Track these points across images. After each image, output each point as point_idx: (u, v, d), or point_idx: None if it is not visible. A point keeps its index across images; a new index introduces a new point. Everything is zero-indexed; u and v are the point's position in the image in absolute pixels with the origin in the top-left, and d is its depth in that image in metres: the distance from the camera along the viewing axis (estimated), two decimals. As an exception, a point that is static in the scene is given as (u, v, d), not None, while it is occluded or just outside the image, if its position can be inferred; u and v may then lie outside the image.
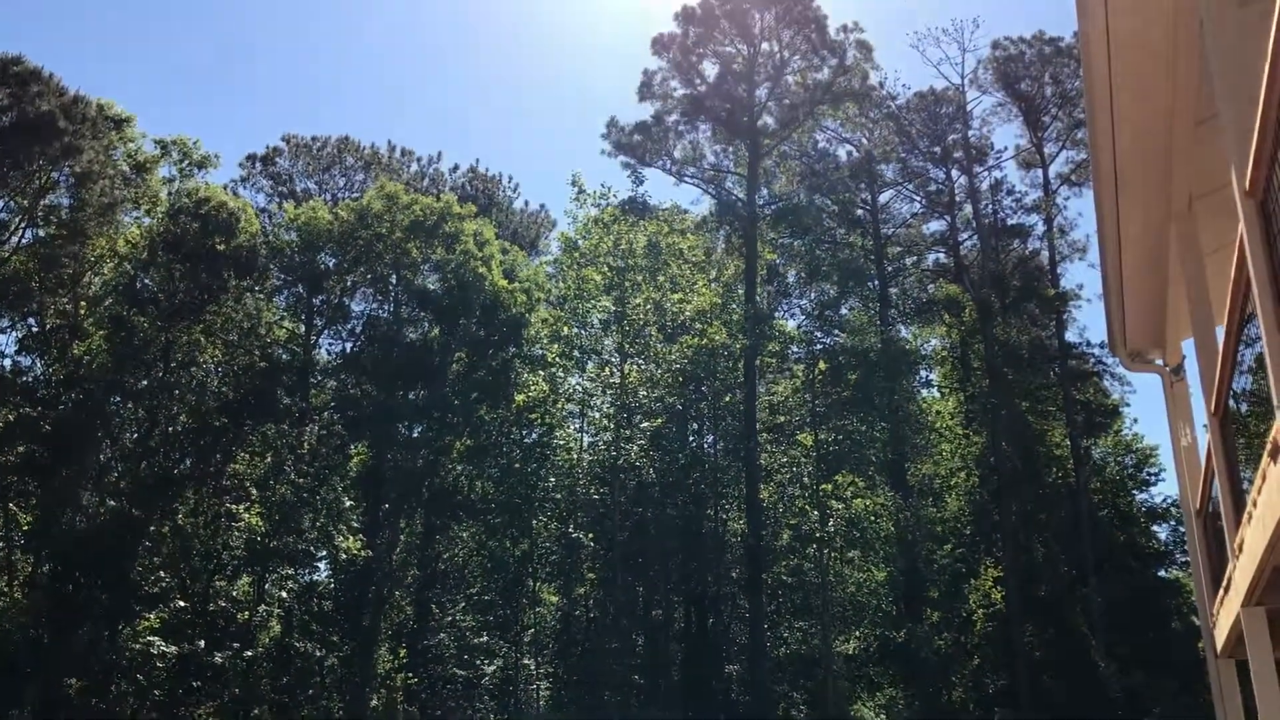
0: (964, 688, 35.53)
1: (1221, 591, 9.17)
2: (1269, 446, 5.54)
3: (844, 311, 41.24)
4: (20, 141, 25.54)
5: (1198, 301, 8.94)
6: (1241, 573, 7.38)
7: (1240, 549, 7.29)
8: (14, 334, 27.97)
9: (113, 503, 26.12)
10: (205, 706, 27.49)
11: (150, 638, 24.65)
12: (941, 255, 43.58)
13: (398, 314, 34.46)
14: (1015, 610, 34.57)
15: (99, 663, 23.64)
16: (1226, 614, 8.99)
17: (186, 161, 30.48)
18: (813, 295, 42.11)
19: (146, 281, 28.86)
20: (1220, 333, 7.83)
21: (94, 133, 26.70)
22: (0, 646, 23.14)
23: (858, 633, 34.15)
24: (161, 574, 26.57)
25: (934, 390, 41.41)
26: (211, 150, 31.19)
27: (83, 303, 27.89)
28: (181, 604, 25.71)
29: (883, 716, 30.05)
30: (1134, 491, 41.73)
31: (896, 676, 33.90)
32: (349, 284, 33.37)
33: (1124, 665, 33.25)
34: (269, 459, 29.71)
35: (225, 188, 32.18)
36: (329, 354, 35.02)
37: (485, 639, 34.04)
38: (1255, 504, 6.30)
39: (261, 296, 30.97)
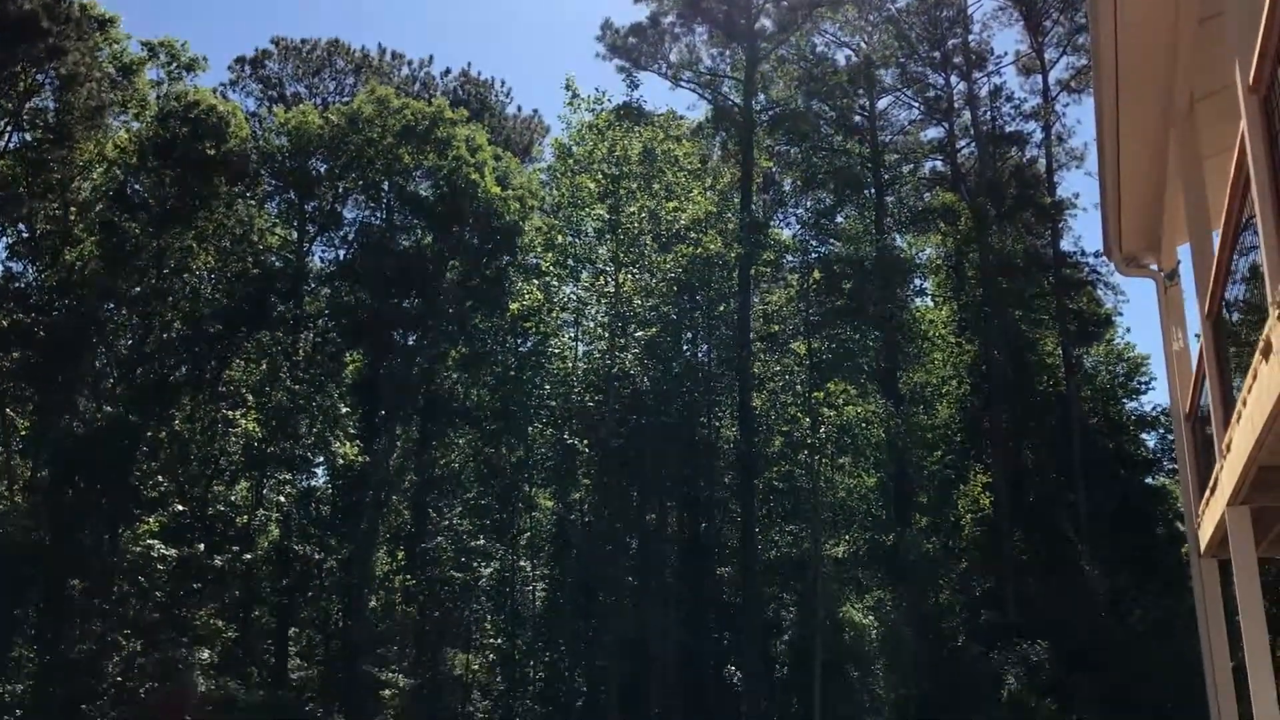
0: (951, 590, 36.27)
1: (1207, 493, 9.32)
2: (1261, 345, 5.60)
3: (839, 220, 41.03)
4: (2, 42, 25.04)
5: (1195, 205, 8.92)
6: (1228, 472, 7.50)
7: (1228, 449, 7.40)
8: (5, 240, 27.83)
9: (109, 408, 26.23)
10: (207, 608, 28.01)
11: (150, 541, 24.98)
12: (939, 163, 43.27)
13: (390, 221, 34.23)
14: (1003, 515, 35.16)
15: (100, 565, 24.00)
16: (1211, 515, 9.15)
17: (174, 64, 29.93)
18: (808, 203, 41.87)
19: (137, 187, 28.60)
20: (1216, 237, 7.84)
21: (78, 33, 26.18)
22: (2, 549, 23.44)
23: (847, 536, 34.69)
24: (160, 479, 26.83)
25: (928, 299, 41.44)
26: (199, 53, 30.66)
27: (73, 208, 27.65)
28: (180, 508, 26.02)
29: (870, 618, 30.67)
30: (1124, 400, 42.04)
31: (885, 579, 34.52)
32: (341, 190, 33.09)
33: (1108, 569, 33.87)
34: (264, 366, 29.82)
35: (214, 92, 31.63)
36: (322, 261, 34.88)
37: (482, 542, 34.54)
38: (1245, 403, 6.38)
39: (253, 203, 30.74)
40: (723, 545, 35.29)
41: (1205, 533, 10.00)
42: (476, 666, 36.37)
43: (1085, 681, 29.42)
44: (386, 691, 30.42)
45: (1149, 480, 40.26)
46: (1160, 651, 29.37)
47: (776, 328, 36.42)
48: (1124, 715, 27.76)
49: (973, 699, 29.57)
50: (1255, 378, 5.88)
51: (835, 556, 33.65)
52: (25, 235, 27.73)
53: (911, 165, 43.08)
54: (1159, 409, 40.42)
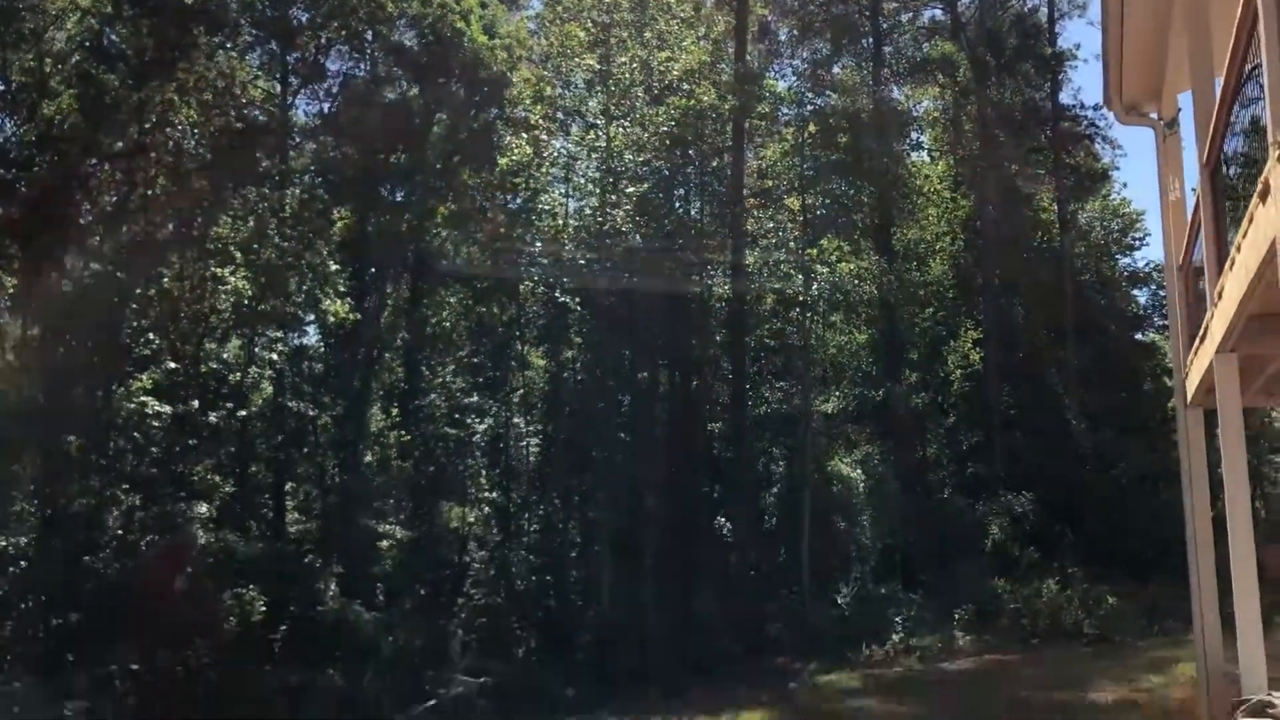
0: (939, 444, 36.83)
1: (1197, 342, 9.34)
2: (1259, 188, 5.48)
3: (836, 71, 40.12)
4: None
5: (1198, 48, 8.66)
6: (1219, 320, 7.48)
7: (1219, 297, 7.36)
8: (-21, 93, 27.06)
9: (97, 265, 25.98)
10: (203, 464, 28.33)
11: (144, 398, 25.05)
12: (938, 11, 42.00)
13: (375, 73, 33.36)
14: (992, 370, 35.43)
15: (95, 422, 24.12)
16: (1199, 364, 9.19)
17: (145, -94, 28.60)
18: (804, 54, 40.88)
19: (114, 38, 27.69)
20: (1219, 85, 7.63)
21: (40, -128, 24.95)
22: (-3, 408, 23.58)
23: (837, 392, 35.02)
24: (151, 336, 26.75)
25: (924, 154, 40.88)
26: (170, -107, 29.26)
27: (48, 59, 26.81)
28: (173, 365, 26.00)
29: (859, 470, 31.22)
30: (1117, 256, 41.93)
31: (874, 433, 35.01)
32: (324, 40, 32.08)
33: (1095, 423, 34.36)
34: (251, 223, 29.41)
35: (187, -65, 30.31)
36: (306, 115, 34.09)
37: (475, 399, 34.82)
38: (1239, 249, 6.30)
39: (234, 54, 29.82)
40: (714, 402, 35.62)
41: (1192, 383, 10.07)
42: (472, 519, 37.08)
43: (1068, 532, 30.16)
44: (384, 543, 31.06)
45: (1138, 336, 40.48)
46: (1142, 505, 30.04)
47: (770, 183, 35.95)
48: (1104, 565, 28.53)
49: (957, 548, 30.33)
50: (1251, 221, 5.79)
51: (825, 412, 34.03)
52: (1, 89, 26.97)
53: (911, 14, 41.86)
54: (1152, 265, 40.38)
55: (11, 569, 24.29)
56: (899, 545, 32.55)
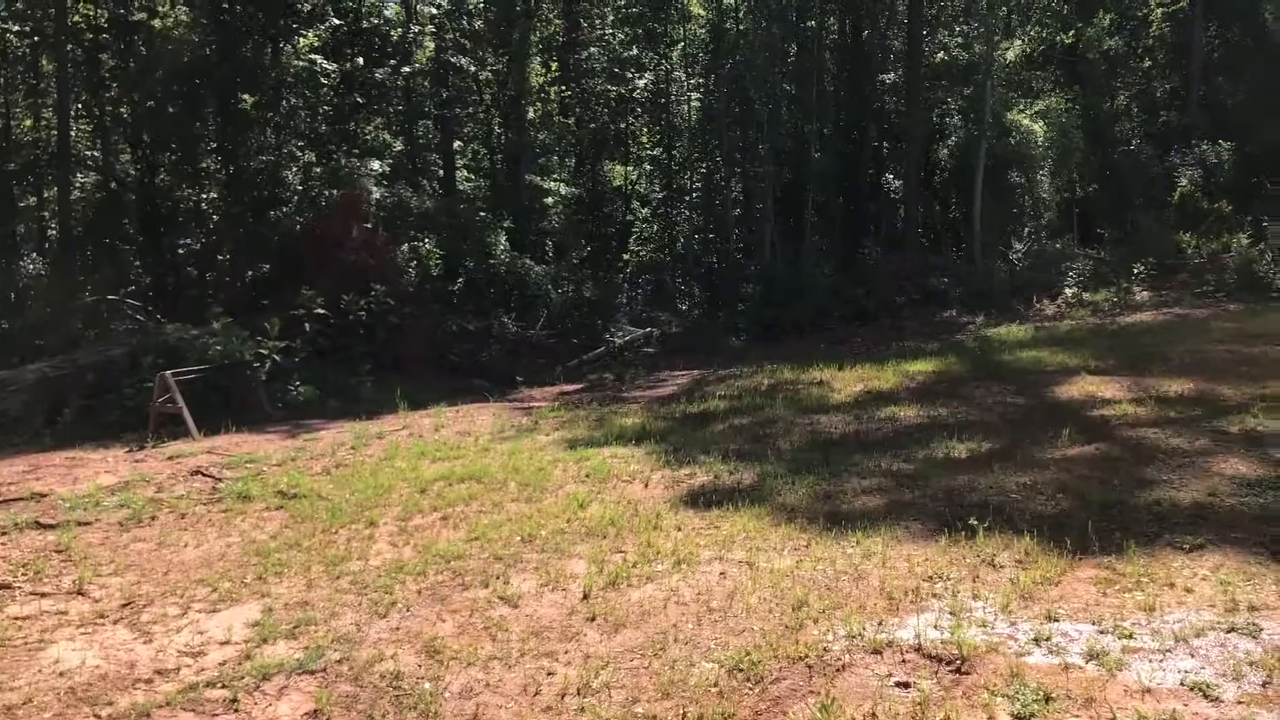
0: (1129, 93, 34.23)
1: None
2: None
3: None
4: None
5: None
6: None
7: None
8: None
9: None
10: (373, 122, 28.76)
11: (312, 55, 25.19)
12: None
13: None
14: (1199, 8, 32.09)
15: (267, 80, 24.46)
16: None
17: None
18: None
19: None
20: None
21: None
22: (173, 64, 24.04)
23: (1022, 36, 32.53)
24: (313, -9, 26.51)
25: None
26: None
27: None
28: (337, 22, 25.88)
29: (1040, 122, 29.33)
30: None
31: (1058, 81, 32.71)
32: None
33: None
34: None
35: None
36: None
37: (635, 52, 33.87)
38: None
39: None
40: (887, 50, 33.68)
41: None
42: (635, 176, 37.15)
43: (1265, 183, 28.10)
44: (550, 200, 31.51)
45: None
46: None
47: None
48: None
49: (1140, 201, 28.84)
50: None
51: (1005, 61, 31.81)
52: None
53: None
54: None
55: (206, 224, 25.77)
56: (1077, 198, 31.15)
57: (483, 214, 28.20)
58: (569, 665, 5.35)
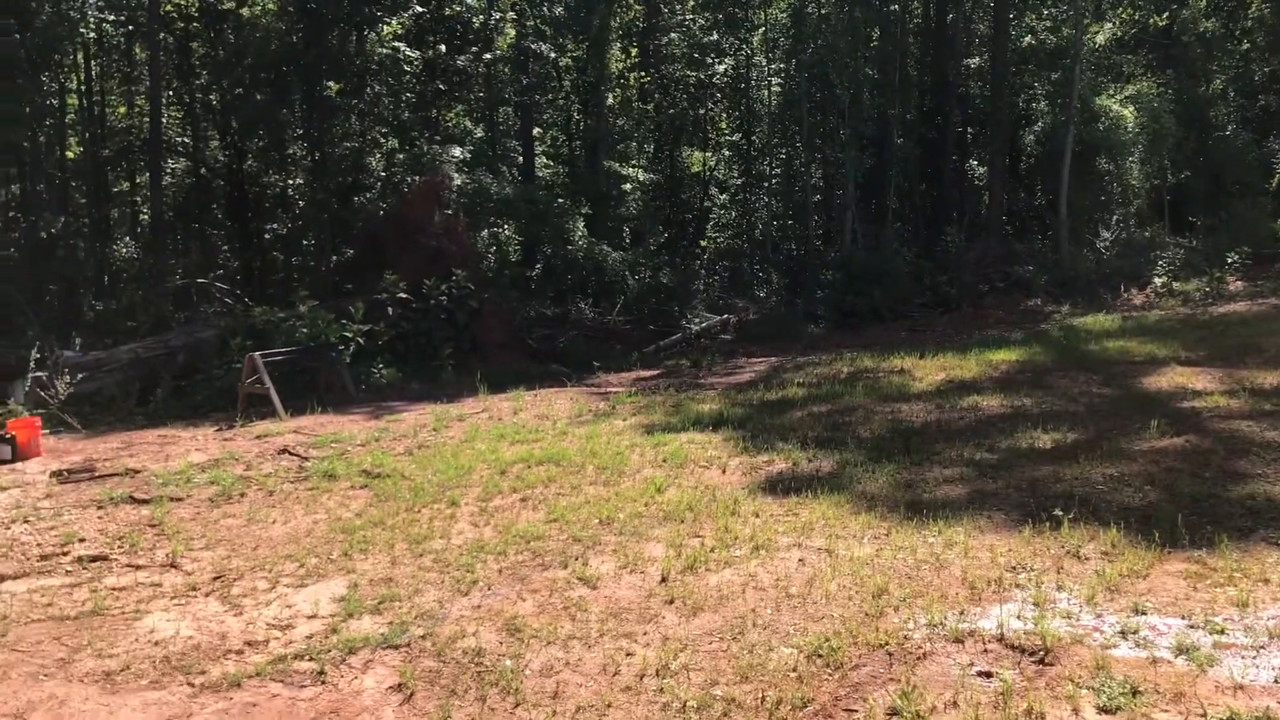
0: (1225, 76, 33.18)
1: None
2: None
3: None
4: None
5: None
6: None
7: None
8: None
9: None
10: (455, 109, 29.07)
11: (395, 43, 25.53)
12: None
13: None
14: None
15: (352, 67, 24.85)
16: None
17: None
18: None
19: None
20: None
21: None
22: (260, 52, 24.54)
23: (1113, 19, 31.69)
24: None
25: None
26: None
27: None
28: (420, 9, 26.18)
29: (1130, 109, 28.57)
30: None
31: (1151, 65, 31.82)
32: None
33: None
34: None
35: None
36: None
37: (715, 38, 33.71)
38: None
39: None
40: (972, 34, 33.07)
41: None
42: (714, 162, 37.02)
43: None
44: (627, 185, 31.55)
45: None
46: None
47: None
48: None
49: (1235, 189, 27.97)
50: None
51: (1094, 44, 31.04)
52: None
53: None
54: None
55: (292, 209, 26.29)
56: (1168, 185, 30.31)
57: (561, 200, 28.35)
58: (648, 647, 5.38)
